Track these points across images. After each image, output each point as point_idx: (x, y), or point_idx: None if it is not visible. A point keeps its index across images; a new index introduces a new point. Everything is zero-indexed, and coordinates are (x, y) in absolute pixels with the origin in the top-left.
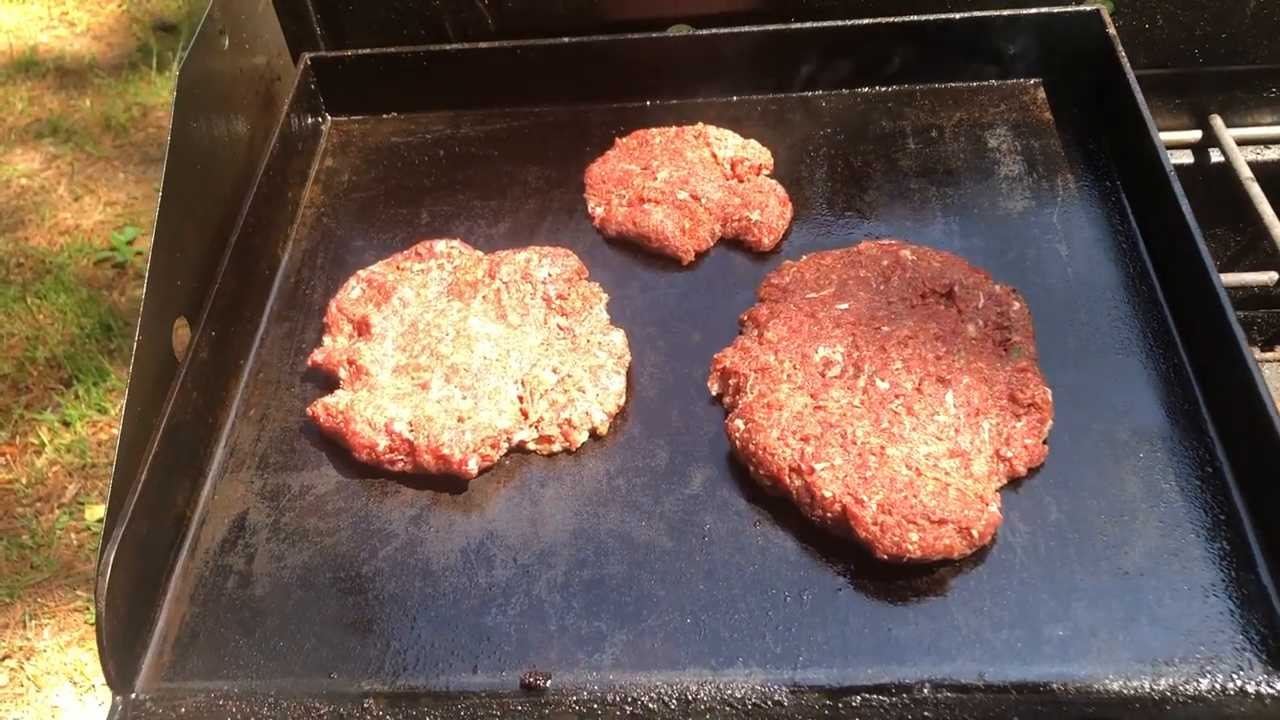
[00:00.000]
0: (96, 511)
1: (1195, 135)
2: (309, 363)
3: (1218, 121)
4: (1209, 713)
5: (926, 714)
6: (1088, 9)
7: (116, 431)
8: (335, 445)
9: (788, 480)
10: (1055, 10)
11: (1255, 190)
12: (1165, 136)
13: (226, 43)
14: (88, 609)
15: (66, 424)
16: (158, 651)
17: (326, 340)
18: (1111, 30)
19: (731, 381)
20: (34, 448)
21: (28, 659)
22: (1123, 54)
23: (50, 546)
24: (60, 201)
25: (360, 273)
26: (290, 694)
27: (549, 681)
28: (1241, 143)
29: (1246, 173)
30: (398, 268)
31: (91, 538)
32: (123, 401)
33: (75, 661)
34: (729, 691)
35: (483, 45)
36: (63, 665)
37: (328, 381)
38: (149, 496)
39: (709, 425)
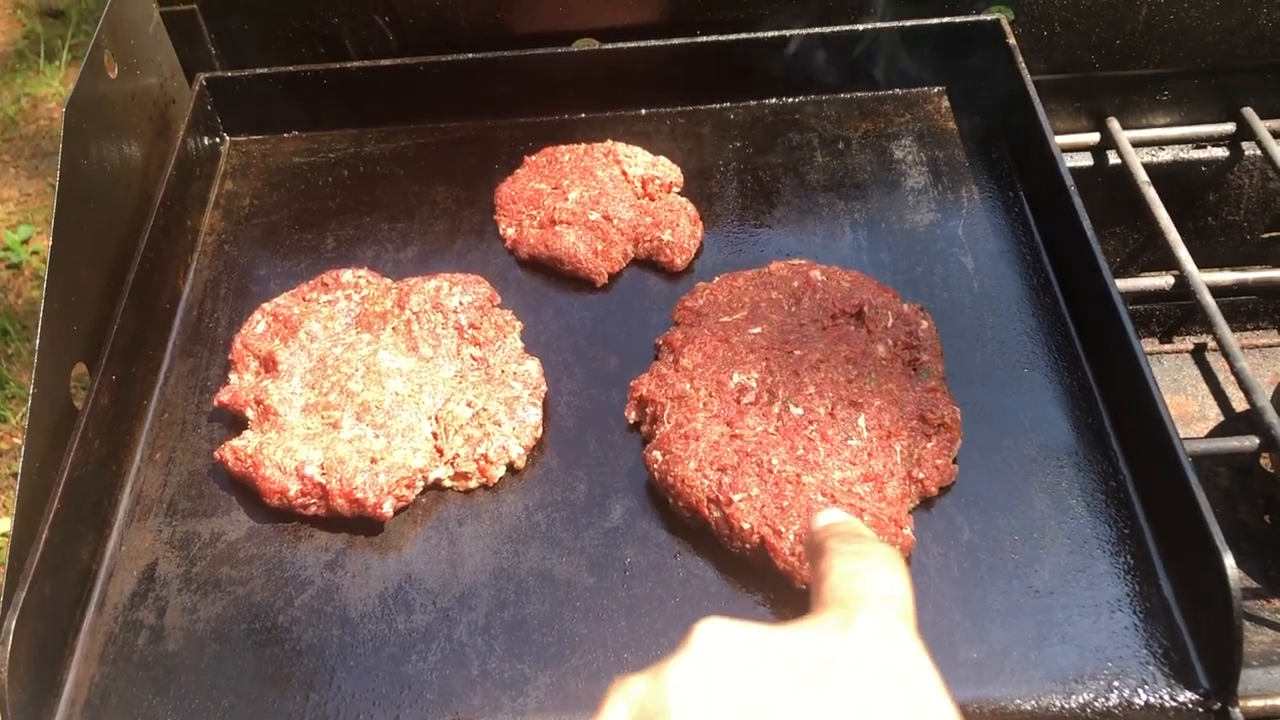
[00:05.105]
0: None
1: (1094, 138)
2: (215, 402)
3: (1114, 124)
4: None
5: None
6: (988, 19)
7: (18, 441)
8: (245, 488)
9: (707, 511)
10: (957, 20)
11: (1151, 194)
12: (1065, 139)
13: (116, 69)
14: None
15: None
16: (66, 717)
17: (233, 378)
18: (1011, 40)
19: (649, 410)
20: None
21: None
22: (1022, 63)
23: None
24: None
25: (265, 306)
26: None
27: None
28: (1137, 144)
29: (1143, 176)
30: (304, 299)
31: None
32: (19, 441)
33: None
34: None
35: (384, 63)
36: None
37: (235, 420)
38: (51, 556)
39: (627, 454)
